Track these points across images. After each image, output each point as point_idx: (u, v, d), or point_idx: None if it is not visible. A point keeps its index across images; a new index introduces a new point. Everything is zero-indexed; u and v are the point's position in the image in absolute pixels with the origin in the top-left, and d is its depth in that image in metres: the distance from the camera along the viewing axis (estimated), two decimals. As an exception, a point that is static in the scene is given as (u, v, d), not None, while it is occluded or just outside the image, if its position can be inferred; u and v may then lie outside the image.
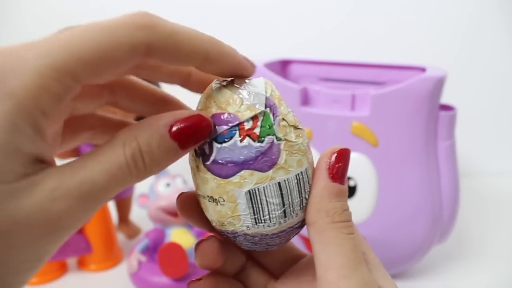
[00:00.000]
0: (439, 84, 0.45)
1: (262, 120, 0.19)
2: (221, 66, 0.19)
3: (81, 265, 0.54)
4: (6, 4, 0.82)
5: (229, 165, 0.19)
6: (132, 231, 0.60)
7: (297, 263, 0.24)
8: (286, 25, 0.82)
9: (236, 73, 0.20)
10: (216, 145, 0.19)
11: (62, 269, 0.53)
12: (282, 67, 0.58)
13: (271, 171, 0.19)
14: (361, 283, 0.18)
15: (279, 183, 0.19)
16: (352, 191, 0.48)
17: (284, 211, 0.20)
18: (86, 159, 0.16)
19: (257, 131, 0.19)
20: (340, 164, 0.20)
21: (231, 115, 0.19)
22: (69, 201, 0.15)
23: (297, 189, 0.20)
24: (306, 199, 0.20)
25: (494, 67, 0.79)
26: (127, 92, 0.22)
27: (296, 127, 0.20)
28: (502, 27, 0.77)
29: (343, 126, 0.47)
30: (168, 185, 0.52)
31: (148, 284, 0.48)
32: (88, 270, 0.53)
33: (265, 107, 0.19)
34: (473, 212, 0.67)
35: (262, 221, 0.20)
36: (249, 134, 0.19)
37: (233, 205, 0.19)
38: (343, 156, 0.20)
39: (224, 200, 0.20)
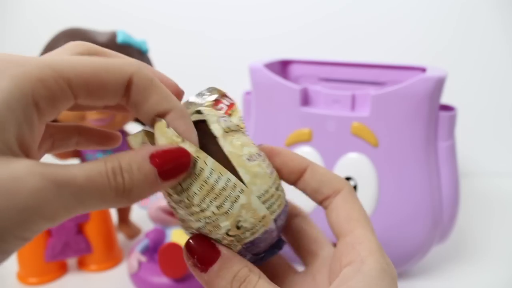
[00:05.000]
0: (439, 84, 0.45)
1: None
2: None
3: (81, 265, 0.54)
4: (7, 5, 0.82)
5: None
6: (132, 231, 0.60)
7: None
8: (286, 25, 0.82)
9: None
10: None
11: (62, 269, 0.53)
12: (282, 67, 0.58)
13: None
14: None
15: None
16: (352, 191, 0.48)
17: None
18: (68, 165, 0.16)
19: None
20: None
21: None
22: (44, 181, 0.15)
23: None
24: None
25: (494, 67, 0.79)
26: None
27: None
28: (502, 27, 0.77)
29: (343, 127, 0.47)
30: (168, 185, 0.52)
31: (148, 284, 0.48)
32: (88, 271, 0.53)
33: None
34: (473, 212, 0.67)
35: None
36: None
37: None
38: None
39: None
